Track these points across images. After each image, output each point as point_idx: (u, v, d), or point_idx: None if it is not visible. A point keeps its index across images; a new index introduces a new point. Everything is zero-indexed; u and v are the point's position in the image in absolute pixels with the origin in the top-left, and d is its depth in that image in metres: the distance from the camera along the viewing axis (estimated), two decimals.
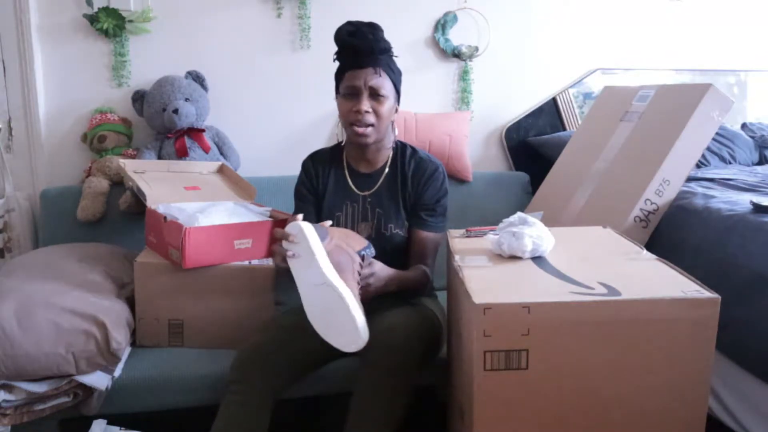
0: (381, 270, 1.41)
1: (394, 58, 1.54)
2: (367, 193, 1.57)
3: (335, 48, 2.24)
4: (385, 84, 1.48)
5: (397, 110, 1.56)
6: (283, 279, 1.66)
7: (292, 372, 1.44)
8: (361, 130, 1.48)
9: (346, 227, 1.55)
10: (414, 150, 1.60)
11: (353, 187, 1.58)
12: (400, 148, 1.61)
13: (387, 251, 1.52)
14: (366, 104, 1.46)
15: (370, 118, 1.47)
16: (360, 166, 1.60)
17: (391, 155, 1.60)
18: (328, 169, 1.61)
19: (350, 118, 1.49)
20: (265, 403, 1.36)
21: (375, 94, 1.47)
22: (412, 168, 1.57)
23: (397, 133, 1.62)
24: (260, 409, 1.36)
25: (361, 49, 1.46)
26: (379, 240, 1.53)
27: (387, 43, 1.50)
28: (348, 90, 1.48)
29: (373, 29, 1.48)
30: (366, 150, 1.56)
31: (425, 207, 1.55)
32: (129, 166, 1.84)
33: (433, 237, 1.56)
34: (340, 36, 1.48)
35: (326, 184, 1.60)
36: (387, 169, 1.58)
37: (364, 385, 1.33)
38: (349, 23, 1.49)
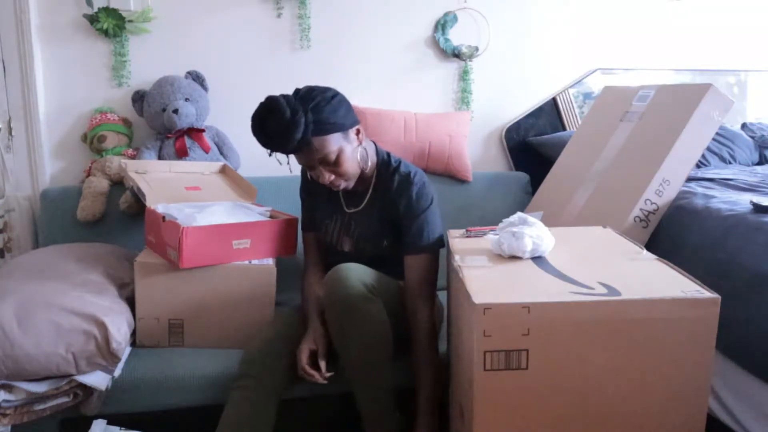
0: None
1: (315, 110, 1.36)
2: (353, 210, 1.58)
3: (335, 47, 2.26)
4: (329, 149, 1.40)
5: (359, 131, 1.48)
6: (283, 279, 1.67)
7: (298, 369, 1.45)
8: (336, 188, 1.49)
9: (332, 238, 1.60)
10: (398, 168, 1.53)
11: (343, 202, 1.59)
12: (384, 165, 1.55)
13: (371, 259, 1.52)
14: (326, 176, 1.44)
15: (339, 181, 1.46)
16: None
17: (376, 173, 1.56)
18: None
19: (325, 184, 1.47)
20: (271, 398, 1.39)
21: (325, 162, 1.42)
22: (392, 189, 1.51)
23: (364, 149, 1.51)
24: (267, 404, 1.38)
25: (282, 150, 1.40)
26: (358, 253, 1.56)
27: (298, 117, 1.33)
28: (305, 167, 1.48)
29: (278, 121, 1.33)
30: None
31: (405, 226, 1.48)
32: (130, 166, 1.84)
33: (419, 260, 1.46)
34: (259, 141, 1.41)
35: (321, 193, 1.61)
36: (371, 189, 1.55)
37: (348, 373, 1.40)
38: (257, 125, 1.39)
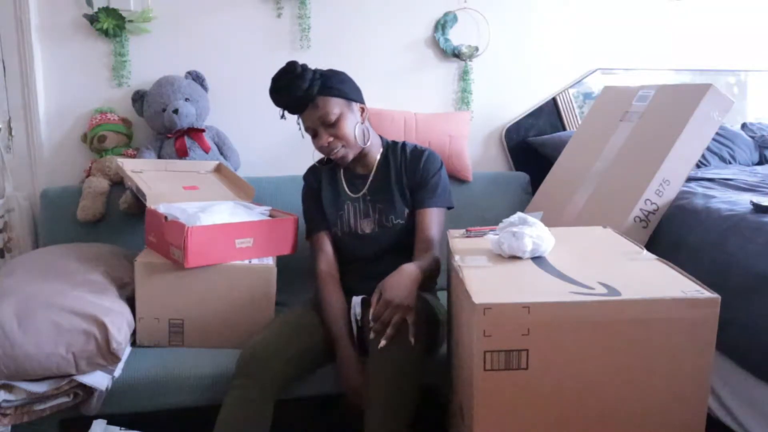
0: (396, 283, 1.37)
1: (323, 75, 1.54)
2: (363, 192, 1.64)
3: (335, 47, 2.26)
4: (330, 108, 1.53)
5: (363, 110, 1.61)
6: (283, 279, 1.67)
7: (296, 369, 1.47)
8: (335, 156, 1.58)
9: (349, 225, 1.64)
10: (404, 144, 1.68)
11: (347, 188, 1.66)
12: (391, 146, 1.68)
13: (391, 242, 1.61)
14: (325, 137, 1.55)
15: (336, 144, 1.56)
16: (356, 169, 1.68)
17: (381, 153, 1.66)
18: (326, 176, 1.69)
19: (323, 152, 1.61)
20: (268, 399, 1.39)
21: (327, 124, 1.54)
22: (405, 159, 1.64)
23: (366, 129, 1.62)
24: (263, 404, 1.38)
25: (290, 101, 1.54)
26: (383, 232, 1.62)
27: (306, 73, 1.52)
28: (307, 132, 1.59)
29: (290, 75, 1.52)
30: (354, 160, 1.63)
31: (420, 186, 1.61)
32: (127, 165, 1.84)
33: (432, 213, 1.59)
34: (273, 99, 1.56)
35: (324, 189, 1.68)
36: (375, 168, 1.65)
37: (373, 393, 1.36)
38: (272, 82, 1.54)
